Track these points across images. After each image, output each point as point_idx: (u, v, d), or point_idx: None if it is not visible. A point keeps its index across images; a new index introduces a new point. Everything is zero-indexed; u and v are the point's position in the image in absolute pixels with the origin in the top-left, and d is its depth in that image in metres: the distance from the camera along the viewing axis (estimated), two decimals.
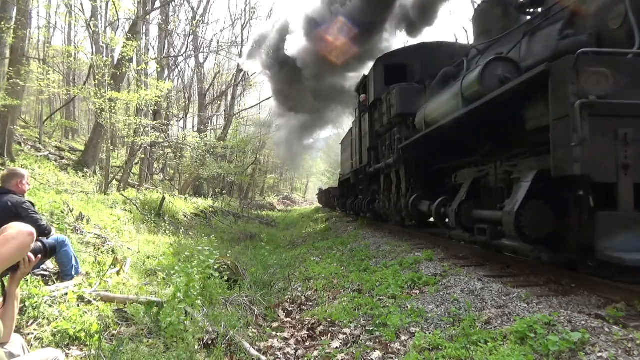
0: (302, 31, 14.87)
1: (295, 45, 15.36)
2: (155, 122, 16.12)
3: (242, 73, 25.30)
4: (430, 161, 7.05)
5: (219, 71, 29.00)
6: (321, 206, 28.38)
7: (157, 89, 13.96)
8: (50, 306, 3.18)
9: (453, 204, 5.21)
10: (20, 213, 3.68)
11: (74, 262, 4.04)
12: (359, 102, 11.02)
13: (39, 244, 1.67)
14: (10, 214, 3.59)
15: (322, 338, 3.40)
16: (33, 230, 1.48)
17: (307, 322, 3.82)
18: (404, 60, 8.95)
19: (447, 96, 5.48)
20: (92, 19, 15.24)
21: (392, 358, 2.90)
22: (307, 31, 14.52)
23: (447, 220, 5.65)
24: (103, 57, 13.83)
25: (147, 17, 16.99)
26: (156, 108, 17.96)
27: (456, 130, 5.16)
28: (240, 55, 22.08)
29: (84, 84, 16.58)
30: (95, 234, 6.30)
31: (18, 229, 1.45)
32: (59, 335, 2.77)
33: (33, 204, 3.96)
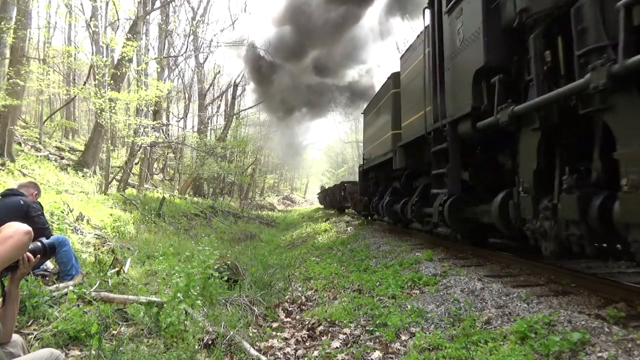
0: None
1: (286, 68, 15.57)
2: (155, 122, 16.12)
3: (242, 73, 25.35)
4: None
5: (219, 71, 29.03)
6: (322, 207, 28.06)
7: (157, 89, 13.95)
8: (50, 306, 3.19)
9: None
10: (30, 212, 3.82)
11: (74, 262, 4.05)
12: None
13: (39, 244, 1.67)
14: (21, 212, 3.74)
15: (322, 338, 3.40)
16: (30, 229, 1.48)
17: (307, 322, 3.82)
18: None
19: None
20: (92, 19, 15.23)
21: (392, 358, 2.90)
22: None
23: None
24: (103, 57, 13.82)
25: (147, 17, 16.98)
26: (156, 108, 17.96)
27: None
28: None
29: (84, 84, 16.57)
30: (95, 234, 6.31)
31: (15, 228, 1.45)
32: (59, 335, 2.77)
33: (42, 207, 4.10)
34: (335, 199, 20.19)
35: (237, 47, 19.29)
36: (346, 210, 18.82)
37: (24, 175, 9.91)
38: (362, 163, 11.97)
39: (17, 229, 1.45)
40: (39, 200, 4.25)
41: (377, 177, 10.41)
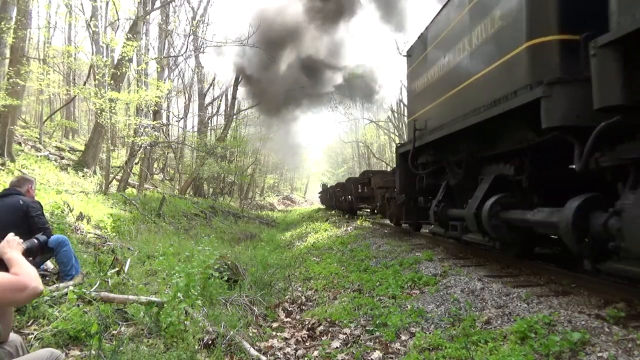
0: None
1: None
2: (155, 122, 16.12)
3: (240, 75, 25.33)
4: None
5: (218, 72, 28.97)
6: (323, 207, 27.81)
7: (157, 89, 13.95)
8: (50, 306, 3.18)
9: None
10: (30, 212, 3.81)
11: (74, 262, 4.04)
12: None
13: (34, 240, 1.71)
14: (21, 212, 3.74)
15: (322, 338, 3.40)
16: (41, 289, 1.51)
17: (307, 322, 3.82)
18: None
19: None
20: (92, 19, 15.25)
21: (392, 358, 2.89)
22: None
23: None
24: (103, 57, 13.82)
25: (147, 17, 16.96)
26: (156, 108, 17.96)
27: None
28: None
29: (84, 84, 16.57)
30: (95, 234, 6.31)
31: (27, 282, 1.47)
32: (59, 335, 2.77)
33: (42, 206, 4.08)
34: (344, 198, 14.86)
35: (225, 53, 19.43)
36: (358, 212, 14.11)
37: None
38: (401, 142, 7.58)
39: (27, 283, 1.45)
40: (35, 193, 4.22)
41: (436, 161, 6.07)
